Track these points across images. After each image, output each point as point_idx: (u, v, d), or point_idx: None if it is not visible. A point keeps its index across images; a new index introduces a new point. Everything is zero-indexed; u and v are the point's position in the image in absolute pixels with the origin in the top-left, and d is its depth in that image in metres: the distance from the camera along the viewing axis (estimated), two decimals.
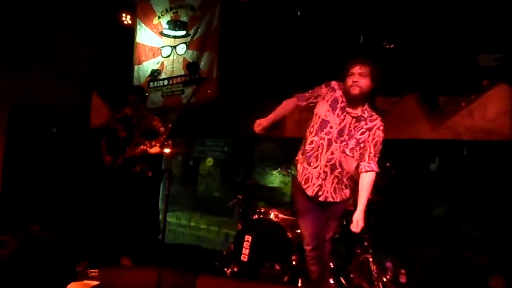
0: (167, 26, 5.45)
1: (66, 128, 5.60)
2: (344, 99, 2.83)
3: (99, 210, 4.92)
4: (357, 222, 2.74)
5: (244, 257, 3.81)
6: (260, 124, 2.94)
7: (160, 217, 5.21)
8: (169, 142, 3.31)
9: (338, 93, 2.86)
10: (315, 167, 2.85)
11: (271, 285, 3.32)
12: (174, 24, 5.39)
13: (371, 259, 3.64)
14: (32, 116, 5.29)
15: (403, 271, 3.79)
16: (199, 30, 5.16)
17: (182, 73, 5.28)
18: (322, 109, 2.87)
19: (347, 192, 2.93)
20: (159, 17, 5.52)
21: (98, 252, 4.16)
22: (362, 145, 2.80)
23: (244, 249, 3.83)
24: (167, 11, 5.46)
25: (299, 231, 3.84)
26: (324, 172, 2.83)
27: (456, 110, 3.97)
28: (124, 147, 4.22)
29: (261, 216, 3.99)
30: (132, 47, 5.69)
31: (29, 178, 5.18)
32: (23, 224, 3.28)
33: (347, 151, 2.80)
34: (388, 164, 3.94)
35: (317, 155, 2.84)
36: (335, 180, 2.84)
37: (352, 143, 2.79)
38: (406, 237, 5.28)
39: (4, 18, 5.04)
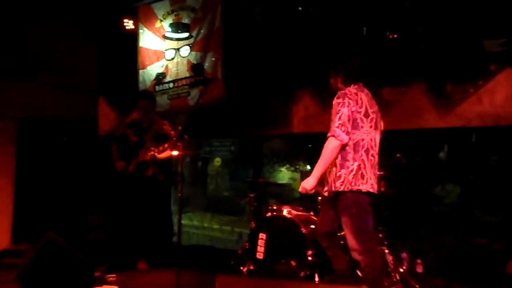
0: (169, 29, 5.46)
1: (75, 136, 5.63)
2: None
3: (113, 216, 4.96)
4: (302, 186, 2.87)
5: (260, 255, 3.81)
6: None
7: (174, 219, 5.24)
8: (180, 144, 3.33)
9: None
10: None
11: (289, 281, 3.33)
12: (176, 26, 5.40)
13: (386, 251, 3.64)
14: (40, 127, 5.33)
15: (419, 261, 3.79)
16: (202, 31, 5.17)
17: (187, 75, 5.29)
18: None
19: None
20: (161, 21, 5.53)
21: (113, 257, 4.19)
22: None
23: (259, 247, 3.83)
24: (168, 14, 5.47)
25: (312, 226, 3.87)
26: None
27: (464, 97, 3.95)
28: (135, 151, 4.25)
29: (274, 213, 4.00)
30: (136, 52, 5.71)
31: (41, 188, 5.23)
32: (38, 233, 3.32)
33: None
34: (398, 155, 3.94)
35: None
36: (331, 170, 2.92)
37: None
38: (420, 227, 5.27)
39: (7, 28, 5.07)
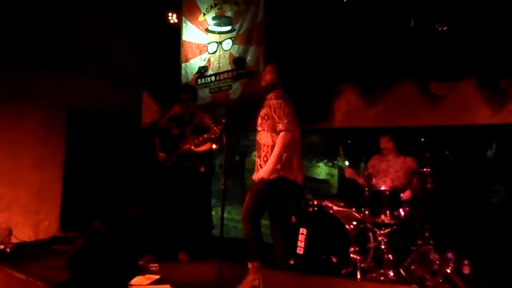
0: (212, 23, 5.47)
1: (120, 128, 5.77)
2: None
3: (154, 207, 5.05)
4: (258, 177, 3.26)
5: (300, 250, 3.80)
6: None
7: (213, 212, 5.29)
8: (224, 137, 3.37)
9: None
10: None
11: (331, 278, 3.29)
12: (219, 20, 5.40)
13: (432, 250, 3.53)
14: (87, 119, 5.50)
15: (466, 262, 3.65)
16: (244, 24, 5.15)
17: (229, 68, 5.29)
18: None
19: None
20: (204, 14, 5.56)
21: (154, 247, 4.27)
22: (266, 117, 3.37)
23: (299, 242, 3.82)
24: (211, 7, 5.49)
25: (355, 222, 3.81)
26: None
27: None
28: (177, 144, 4.32)
29: (315, 208, 3.96)
30: (179, 46, 5.77)
31: (87, 177, 5.40)
32: (84, 221, 3.43)
33: (258, 128, 3.44)
34: (446, 152, 3.80)
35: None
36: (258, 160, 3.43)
37: (259, 120, 3.45)
38: (465, 226, 5.09)
39: (59, 24, 5.25)
